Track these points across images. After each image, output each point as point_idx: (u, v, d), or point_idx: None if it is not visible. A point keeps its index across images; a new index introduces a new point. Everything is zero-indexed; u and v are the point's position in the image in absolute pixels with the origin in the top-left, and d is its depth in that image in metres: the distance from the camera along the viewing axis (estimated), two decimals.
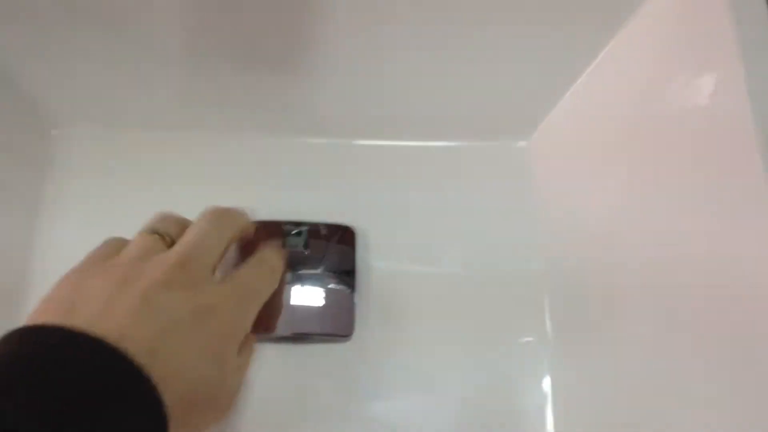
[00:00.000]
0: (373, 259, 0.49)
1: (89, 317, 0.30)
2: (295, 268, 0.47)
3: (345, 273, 0.47)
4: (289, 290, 0.46)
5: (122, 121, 0.50)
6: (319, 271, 0.47)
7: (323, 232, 0.48)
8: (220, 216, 0.38)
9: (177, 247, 0.35)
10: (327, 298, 0.47)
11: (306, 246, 0.47)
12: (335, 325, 0.46)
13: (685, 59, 0.39)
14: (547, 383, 0.47)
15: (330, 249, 0.48)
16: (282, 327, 0.45)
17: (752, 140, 0.32)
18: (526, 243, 0.50)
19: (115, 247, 0.36)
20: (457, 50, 0.46)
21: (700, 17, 0.37)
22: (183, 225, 0.37)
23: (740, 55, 0.34)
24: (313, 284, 0.47)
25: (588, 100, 0.48)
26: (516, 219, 0.50)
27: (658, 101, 0.41)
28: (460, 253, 0.50)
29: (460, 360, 0.47)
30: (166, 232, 0.36)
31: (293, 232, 0.47)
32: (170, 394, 0.29)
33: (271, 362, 0.45)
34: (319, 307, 0.46)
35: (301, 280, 0.47)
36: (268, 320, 0.44)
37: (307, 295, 0.46)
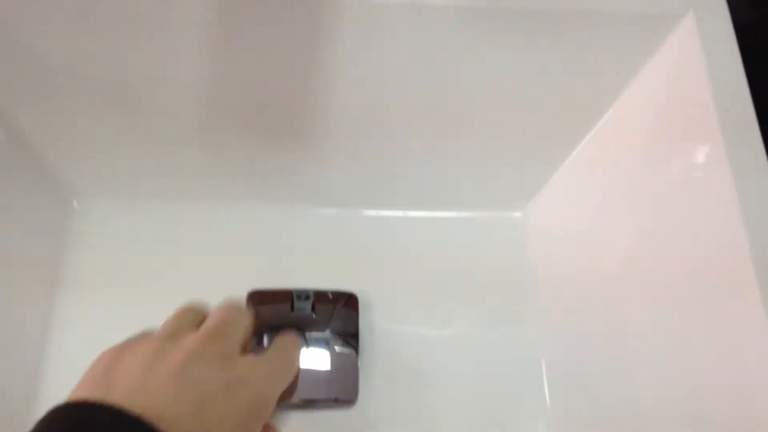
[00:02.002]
0: (378, 322, 0.51)
1: (127, 392, 0.31)
2: (303, 331, 0.49)
3: (350, 336, 0.49)
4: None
5: (140, 193, 0.53)
6: (325, 333, 0.49)
7: (329, 297, 0.50)
8: (239, 304, 0.39)
9: (207, 324, 0.36)
10: (333, 362, 0.48)
11: (313, 310, 0.49)
12: (340, 390, 0.48)
13: (670, 135, 0.42)
14: None
15: (336, 313, 0.50)
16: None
17: (735, 203, 0.36)
18: (523, 308, 0.52)
19: (147, 331, 0.37)
20: (457, 136, 0.49)
21: (685, 95, 0.41)
22: (205, 313, 0.39)
23: (720, 129, 0.37)
24: (320, 347, 0.49)
25: (577, 175, 0.51)
26: (512, 284, 0.53)
27: (644, 174, 0.44)
28: (460, 318, 0.52)
29: (463, 421, 0.49)
30: (193, 319, 0.38)
31: (301, 296, 0.50)
32: None
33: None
34: (325, 372, 0.48)
35: (308, 342, 0.49)
36: (285, 392, 0.45)
37: (314, 359, 0.48)
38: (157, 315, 0.37)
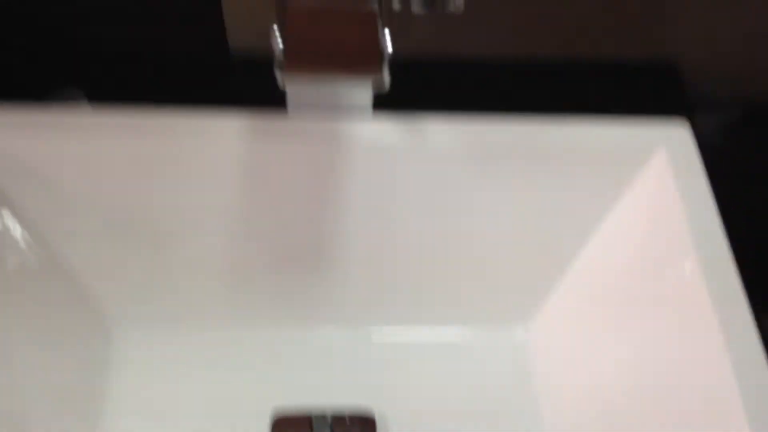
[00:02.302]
0: None
1: None
2: None
3: None
4: None
5: (175, 322, 0.54)
6: None
7: (347, 422, 0.50)
8: None
9: None
10: None
11: None
12: None
13: (652, 257, 0.46)
14: None
15: None
16: None
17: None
18: (530, 421, 0.52)
19: None
20: (458, 257, 0.52)
21: (661, 222, 0.46)
22: None
23: (695, 247, 0.42)
24: None
25: (572, 297, 0.52)
26: (518, 398, 0.53)
27: (638, 286, 0.47)
28: None
29: None
30: None
31: (320, 422, 0.50)
32: None
33: None
34: None
35: None
36: None
37: None
38: None
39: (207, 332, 0.54)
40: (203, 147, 0.45)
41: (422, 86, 0.63)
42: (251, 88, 0.54)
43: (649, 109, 0.63)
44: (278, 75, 0.38)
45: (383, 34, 0.36)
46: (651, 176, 0.46)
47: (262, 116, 0.46)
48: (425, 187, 0.48)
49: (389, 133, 0.46)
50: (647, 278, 0.46)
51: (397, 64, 0.63)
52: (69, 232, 0.48)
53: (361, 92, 0.45)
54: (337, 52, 0.38)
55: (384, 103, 0.54)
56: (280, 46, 0.37)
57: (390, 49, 0.35)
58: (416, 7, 0.41)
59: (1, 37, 0.62)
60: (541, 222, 0.50)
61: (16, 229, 0.47)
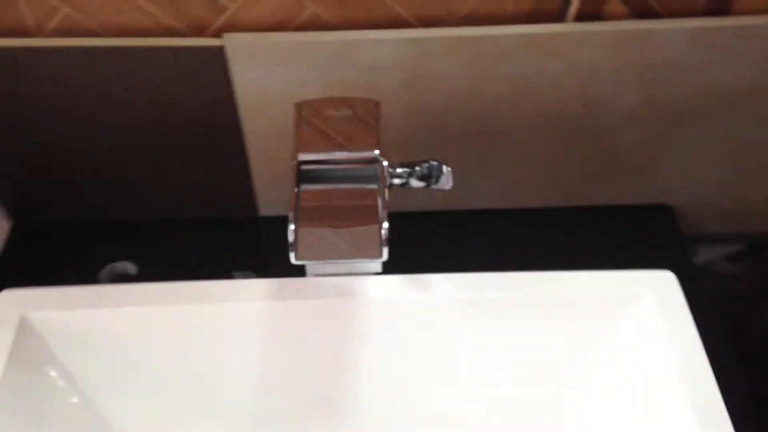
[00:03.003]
0: None
1: None
2: None
3: None
4: None
5: None
6: None
7: None
8: None
9: None
10: None
11: None
12: None
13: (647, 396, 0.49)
14: None
15: None
16: None
17: None
18: None
19: None
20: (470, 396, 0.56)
21: (649, 361, 0.49)
22: None
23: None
24: None
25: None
26: None
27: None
28: None
29: None
30: None
31: None
32: None
33: None
34: None
35: None
36: None
37: None
38: None
39: None
40: (232, 309, 0.51)
41: (430, 235, 0.69)
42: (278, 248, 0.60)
43: (648, 247, 0.68)
44: (289, 231, 0.42)
45: (382, 207, 0.41)
46: (639, 321, 0.50)
47: (283, 280, 0.51)
48: (430, 331, 0.52)
49: (397, 287, 0.50)
50: (637, 420, 0.48)
51: (404, 217, 0.69)
52: (114, 391, 0.53)
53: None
54: (341, 215, 0.43)
55: (392, 254, 0.59)
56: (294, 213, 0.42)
57: (386, 224, 0.40)
58: (414, 184, 0.47)
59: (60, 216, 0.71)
60: (540, 370, 0.53)
61: (68, 393, 0.52)
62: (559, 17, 0.56)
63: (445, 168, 0.45)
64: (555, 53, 0.56)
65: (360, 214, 0.40)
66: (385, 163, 0.45)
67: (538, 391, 0.53)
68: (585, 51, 0.56)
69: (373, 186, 0.41)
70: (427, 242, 0.69)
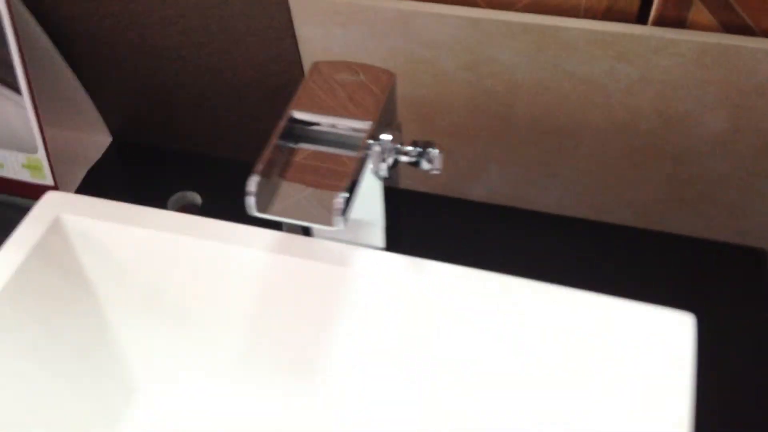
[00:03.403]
0: None
1: None
2: None
3: None
4: None
5: (188, 382, 0.61)
6: None
7: None
8: None
9: None
10: None
11: None
12: None
13: None
14: None
15: None
16: None
17: None
18: None
19: None
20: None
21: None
22: None
23: None
24: None
25: None
26: None
27: None
28: None
29: None
30: None
31: None
32: None
33: None
34: None
35: None
36: None
37: None
38: None
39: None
40: (236, 252, 0.52)
41: (478, 228, 0.67)
42: None
43: (721, 291, 0.61)
44: (250, 179, 0.41)
45: (353, 177, 0.40)
46: (634, 355, 0.45)
47: (291, 236, 0.52)
48: (418, 320, 0.50)
49: (395, 265, 0.49)
50: None
51: (464, 204, 0.67)
52: (119, 299, 0.57)
53: (374, 231, 0.50)
54: (309, 176, 0.41)
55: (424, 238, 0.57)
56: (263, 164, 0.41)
57: (345, 194, 0.38)
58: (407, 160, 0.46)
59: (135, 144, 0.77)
60: (514, 376, 0.49)
61: (81, 295, 0.56)
62: (637, 18, 0.50)
63: (433, 150, 0.43)
64: (628, 57, 0.51)
65: (327, 178, 0.39)
66: (387, 137, 0.44)
67: (506, 394, 0.50)
68: (663, 60, 0.50)
69: (353, 154, 0.40)
70: (472, 234, 0.67)
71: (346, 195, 0.38)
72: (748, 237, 0.63)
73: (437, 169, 0.44)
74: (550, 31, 0.51)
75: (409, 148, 0.46)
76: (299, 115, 0.42)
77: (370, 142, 0.41)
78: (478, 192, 0.68)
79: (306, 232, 0.53)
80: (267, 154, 0.40)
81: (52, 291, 0.54)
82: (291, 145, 0.41)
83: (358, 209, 0.48)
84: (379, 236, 0.50)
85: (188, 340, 0.57)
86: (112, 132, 0.78)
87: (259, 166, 0.39)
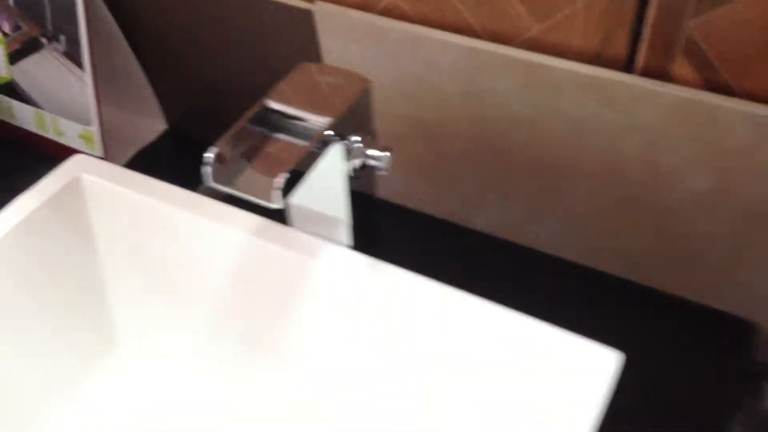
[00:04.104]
0: None
1: None
2: None
3: None
4: None
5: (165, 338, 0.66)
6: None
7: None
8: None
9: None
10: None
11: None
12: None
13: None
14: None
15: None
16: None
17: None
18: None
19: None
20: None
21: None
22: None
23: None
24: None
25: None
26: None
27: None
28: None
29: None
30: None
31: None
32: None
33: None
34: None
35: None
36: None
37: None
38: None
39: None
40: (220, 231, 0.56)
41: (466, 254, 0.68)
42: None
43: (699, 360, 0.59)
44: (210, 149, 0.44)
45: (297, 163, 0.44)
46: (558, 385, 0.46)
47: (269, 222, 0.56)
48: (369, 321, 0.53)
49: (360, 265, 0.52)
50: None
51: (467, 233, 0.69)
52: (115, 260, 0.63)
53: (340, 229, 0.53)
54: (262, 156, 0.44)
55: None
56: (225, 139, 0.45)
57: (285, 175, 0.42)
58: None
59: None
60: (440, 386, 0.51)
61: (84, 247, 0.62)
62: (624, 66, 0.52)
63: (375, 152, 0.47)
64: (613, 103, 0.52)
65: (277, 162, 0.43)
66: (355, 138, 0.47)
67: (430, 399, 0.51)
68: (647, 111, 0.52)
69: (303, 144, 0.44)
70: (458, 258, 0.68)
71: (286, 176, 0.42)
72: (731, 305, 0.61)
73: (384, 170, 0.47)
74: (540, 69, 0.53)
75: (380, 153, 0.49)
76: (271, 104, 0.46)
77: (331, 136, 0.45)
78: (480, 222, 0.70)
79: (285, 221, 0.57)
80: (230, 132, 0.44)
81: (57, 240, 0.60)
82: (256, 129, 0.45)
83: (324, 204, 0.52)
84: (344, 234, 0.53)
85: (168, 306, 0.62)
86: (168, 120, 0.86)
87: (220, 142, 0.44)
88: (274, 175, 0.42)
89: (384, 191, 0.72)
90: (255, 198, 0.42)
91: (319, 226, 0.54)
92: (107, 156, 0.81)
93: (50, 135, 0.81)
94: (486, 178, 0.65)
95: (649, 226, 0.59)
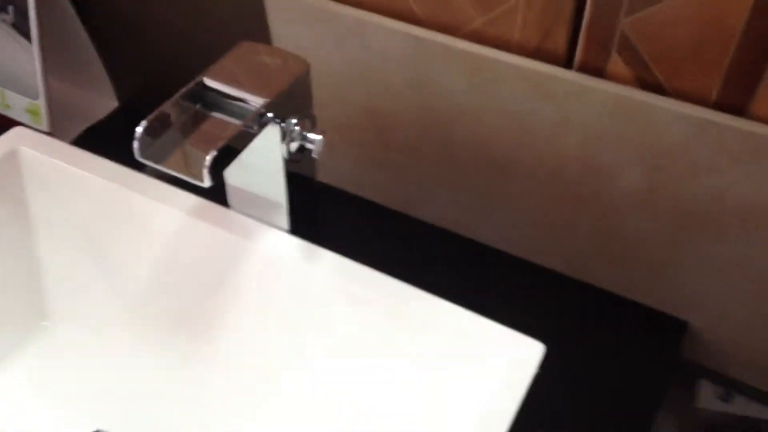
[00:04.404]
0: None
1: None
2: None
3: None
4: None
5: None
6: None
7: None
8: None
9: None
10: None
11: None
12: None
13: None
14: None
15: None
16: None
17: None
18: None
19: None
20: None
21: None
22: None
23: None
24: None
25: None
26: None
27: None
28: None
29: None
30: None
31: None
32: None
33: None
34: None
35: None
36: None
37: None
38: None
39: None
40: (157, 208, 0.56)
41: (409, 245, 0.69)
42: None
43: (630, 358, 0.61)
44: (141, 124, 0.44)
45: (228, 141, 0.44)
46: (482, 372, 0.46)
47: (208, 203, 0.56)
48: (298, 303, 0.53)
49: (291, 246, 0.52)
50: None
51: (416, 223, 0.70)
52: (50, 235, 0.62)
53: (279, 213, 0.53)
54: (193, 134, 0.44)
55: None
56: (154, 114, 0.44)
57: (214, 152, 0.42)
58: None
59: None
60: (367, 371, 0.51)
61: (18, 221, 0.62)
62: (564, 62, 0.53)
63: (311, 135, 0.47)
64: (552, 98, 0.53)
65: (208, 140, 0.43)
66: (291, 120, 0.47)
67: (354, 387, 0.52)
68: (583, 107, 0.52)
69: (236, 122, 0.44)
70: (399, 247, 0.69)
71: (215, 154, 0.42)
72: (665, 303, 0.63)
73: (316, 153, 0.48)
74: (483, 61, 0.54)
75: (315, 137, 0.49)
76: (207, 81, 0.46)
77: (267, 117, 0.45)
78: (426, 213, 0.70)
79: (225, 203, 0.57)
80: (163, 108, 0.44)
81: None
82: (190, 105, 0.45)
83: (262, 186, 0.52)
84: (283, 218, 0.53)
85: (100, 282, 0.61)
86: (120, 98, 0.85)
87: (151, 116, 0.43)
88: (204, 153, 0.42)
89: (332, 177, 0.72)
90: (183, 175, 0.42)
91: (257, 209, 0.54)
92: (54, 131, 0.80)
93: None
94: (432, 169, 0.65)
95: (585, 222, 0.60)
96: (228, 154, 0.43)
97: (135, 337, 0.62)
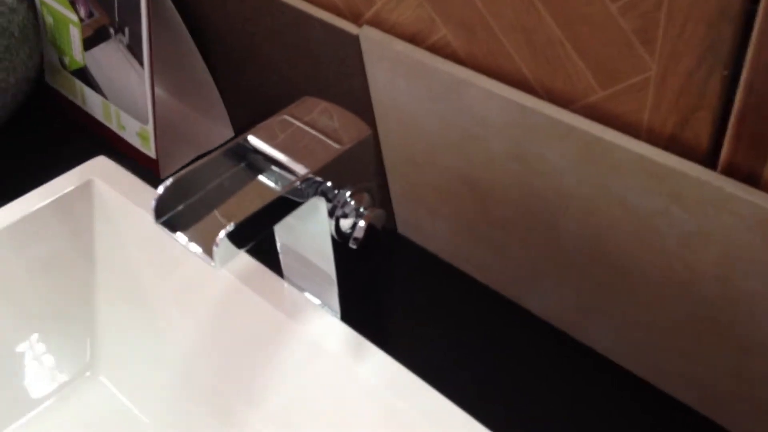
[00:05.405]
0: None
1: None
2: None
3: None
4: None
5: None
6: None
7: None
8: None
9: None
10: None
11: None
12: None
13: None
14: None
15: None
16: None
17: None
18: None
19: None
20: None
21: None
22: None
23: None
24: None
25: None
26: None
27: None
28: None
29: None
30: None
31: None
32: None
33: None
34: None
35: None
36: None
37: None
38: None
39: None
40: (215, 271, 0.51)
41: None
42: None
43: None
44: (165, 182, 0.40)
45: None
46: None
47: (265, 270, 0.49)
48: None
49: (334, 339, 0.45)
50: None
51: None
52: (107, 274, 0.58)
53: (330, 292, 0.46)
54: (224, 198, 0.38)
55: None
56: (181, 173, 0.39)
57: (231, 227, 0.35)
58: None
59: None
60: None
61: (81, 248, 0.59)
62: (705, 158, 0.41)
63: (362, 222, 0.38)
64: (684, 201, 0.41)
65: (231, 211, 0.36)
66: (343, 193, 0.39)
67: None
68: (727, 218, 0.40)
69: (275, 190, 0.37)
70: (490, 333, 0.58)
71: (231, 229, 0.35)
72: None
73: (354, 240, 0.39)
74: (600, 143, 0.43)
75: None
76: (251, 139, 0.40)
77: (312, 187, 0.38)
78: (533, 303, 0.60)
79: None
80: (191, 167, 0.38)
81: (55, 243, 0.57)
82: (227, 164, 0.39)
83: (314, 261, 0.45)
84: (334, 299, 0.46)
85: (146, 342, 0.57)
86: (235, 128, 0.82)
87: (176, 176, 0.38)
88: (220, 228, 0.35)
89: (428, 241, 0.63)
90: (194, 251, 0.35)
91: (310, 282, 0.47)
92: (160, 157, 0.78)
93: (114, 127, 0.79)
94: (535, 253, 0.55)
95: (726, 358, 0.47)
96: (255, 227, 0.36)
97: (169, 407, 0.57)
